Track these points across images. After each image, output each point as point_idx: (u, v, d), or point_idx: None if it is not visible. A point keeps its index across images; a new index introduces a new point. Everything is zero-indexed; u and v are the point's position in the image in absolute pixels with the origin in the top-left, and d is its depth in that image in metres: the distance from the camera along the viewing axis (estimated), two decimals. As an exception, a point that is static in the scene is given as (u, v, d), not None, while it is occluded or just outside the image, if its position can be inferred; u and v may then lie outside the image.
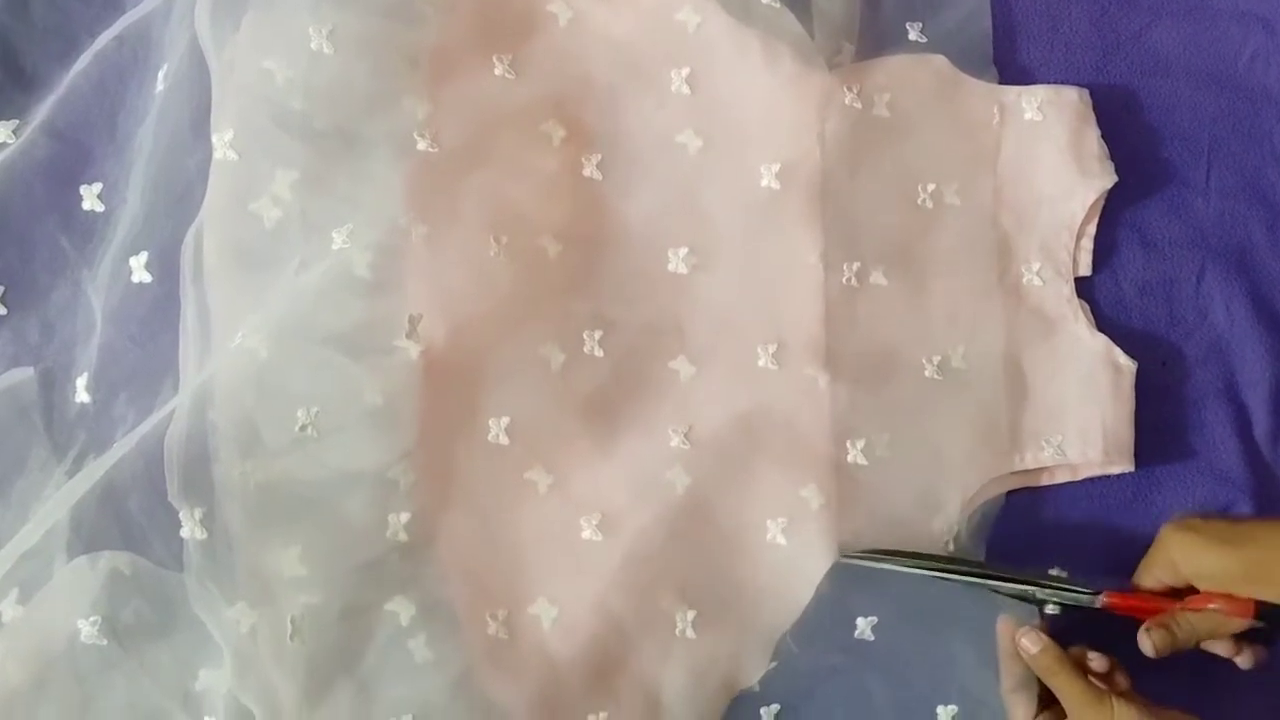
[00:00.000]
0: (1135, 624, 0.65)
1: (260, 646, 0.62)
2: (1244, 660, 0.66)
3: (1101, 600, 0.66)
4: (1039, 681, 0.65)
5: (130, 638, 0.62)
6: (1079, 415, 0.72)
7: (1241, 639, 0.65)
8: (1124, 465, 0.72)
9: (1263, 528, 0.65)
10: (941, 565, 0.68)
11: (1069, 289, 0.74)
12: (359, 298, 0.65)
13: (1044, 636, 0.64)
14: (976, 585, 0.68)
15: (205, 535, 0.63)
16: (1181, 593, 0.66)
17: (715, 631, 0.68)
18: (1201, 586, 0.64)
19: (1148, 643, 0.64)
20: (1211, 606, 0.64)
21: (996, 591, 0.67)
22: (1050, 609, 0.67)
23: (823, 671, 0.68)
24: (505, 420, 0.68)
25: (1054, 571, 0.69)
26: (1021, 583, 0.67)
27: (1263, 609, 0.63)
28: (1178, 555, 0.65)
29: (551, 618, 0.67)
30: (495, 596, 0.67)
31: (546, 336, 0.69)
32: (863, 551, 0.68)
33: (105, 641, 0.62)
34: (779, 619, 0.69)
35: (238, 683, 0.61)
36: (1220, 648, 0.66)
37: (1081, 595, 0.67)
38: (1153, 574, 0.66)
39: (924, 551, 0.69)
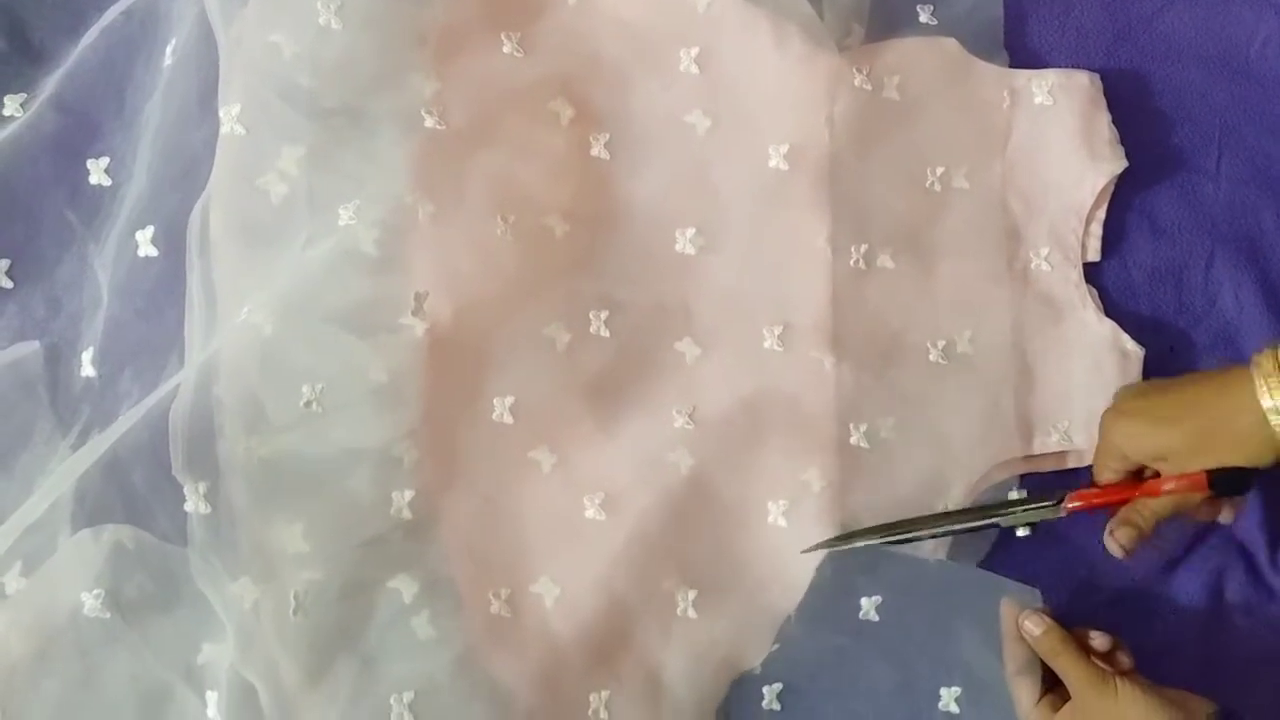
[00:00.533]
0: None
1: (263, 622, 0.62)
2: (1225, 516, 0.67)
3: (1066, 506, 0.67)
4: (1043, 664, 0.64)
5: (133, 611, 0.62)
6: (1086, 401, 0.72)
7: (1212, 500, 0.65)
8: (1129, 453, 0.72)
9: (1194, 390, 0.64)
10: (903, 529, 0.68)
11: (1077, 274, 0.73)
12: (365, 275, 0.65)
13: (1046, 619, 0.64)
14: (944, 535, 0.68)
15: (209, 510, 0.63)
16: (1142, 473, 0.66)
17: (716, 612, 0.68)
18: (1153, 466, 0.65)
19: (1115, 544, 0.65)
20: (1166, 489, 0.64)
21: (969, 529, 0.68)
22: (1021, 532, 0.68)
23: (826, 652, 0.68)
24: (510, 399, 0.68)
25: (1014, 494, 0.70)
26: (984, 516, 0.68)
27: (1215, 476, 0.62)
28: (1122, 442, 0.65)
29: (554, 596, 0.67)
30: (498, 575, 0.67)
31: (552, 316, 0.69)
32: (824, 541, 0.68)
33: (109, 615, 0.62)
34: (780, 601, 0.69)
35: (240, 657, 0.61)
36: (1201, 513, 0.66)
37: (1046, 508, 0.67)
38: (1107, 466, 0.67)
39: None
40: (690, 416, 0.69)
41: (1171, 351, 0.74)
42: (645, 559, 0.68)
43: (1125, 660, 0.64)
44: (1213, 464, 0.62)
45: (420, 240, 0.66)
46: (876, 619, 0.69)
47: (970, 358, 0.72)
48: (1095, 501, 0.66)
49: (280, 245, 0.65)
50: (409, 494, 0.65)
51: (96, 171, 0.68)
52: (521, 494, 0.68)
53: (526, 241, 0.68)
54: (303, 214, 0.65)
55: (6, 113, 0.68)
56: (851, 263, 0.71)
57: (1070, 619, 0.65)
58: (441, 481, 0.66)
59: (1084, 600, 0.70)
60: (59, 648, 0.61)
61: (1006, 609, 0.66)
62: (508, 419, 0.68)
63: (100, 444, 0.63)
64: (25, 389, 0.65)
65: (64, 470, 0.63)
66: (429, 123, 0.67)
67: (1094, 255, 0.74)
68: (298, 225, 0.65)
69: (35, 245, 0.67)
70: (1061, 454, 0.72)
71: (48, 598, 0.62)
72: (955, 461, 0.71)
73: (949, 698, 0.68)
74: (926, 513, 0.69)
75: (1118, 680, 0.62)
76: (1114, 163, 0.73)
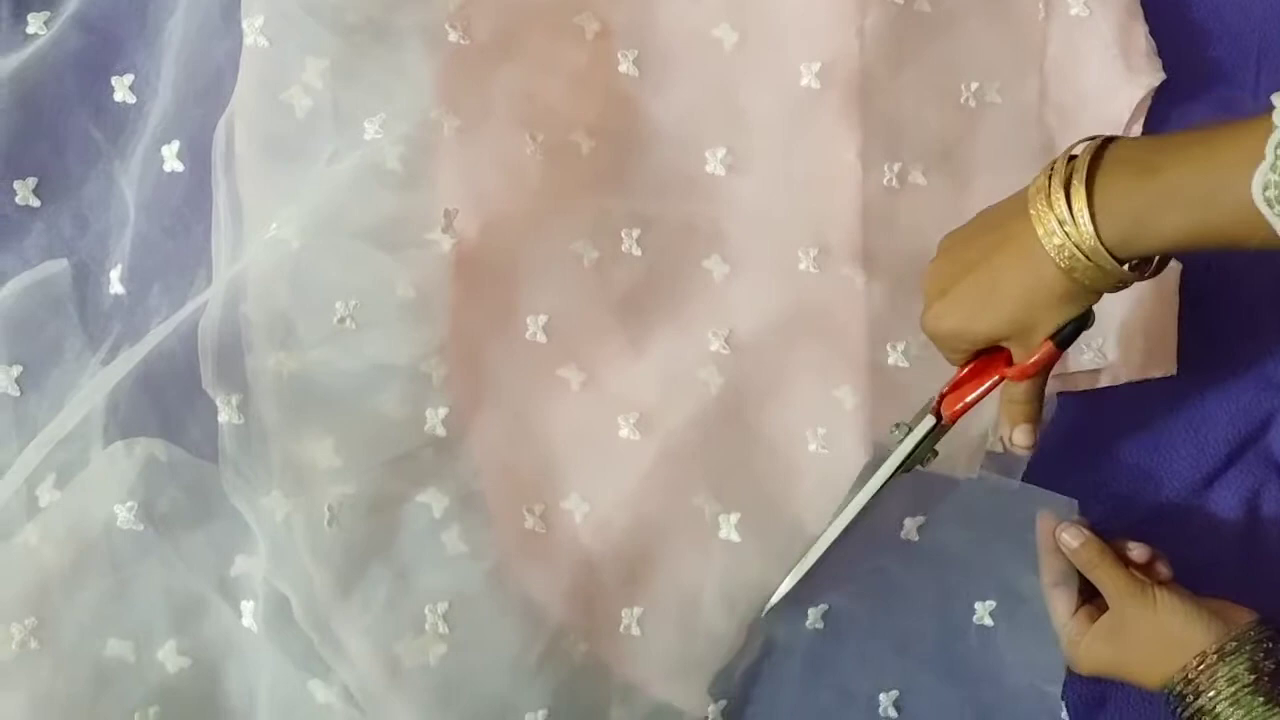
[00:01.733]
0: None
1: (295, 534, 0.62)
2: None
3: (945, 422, 0.64)
4: (1079, 576, 0.64)
5: (166, 524, 0.62)
6: (1121, 318, 0.71)
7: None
8: (1166, 369, 0.71)
9: (994, 258, 0.57)
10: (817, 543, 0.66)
11: (1113, 190, 0.72)
12: (391, 191, 0.65)
13: (1085, 530, 0.63)
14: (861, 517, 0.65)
15: (242, 420, 0.63)
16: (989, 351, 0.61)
17: (756, 535, 0.68)
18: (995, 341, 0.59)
19: (1020, 448, 0.61)
20: (1025, 374, 0.59)
21: (876, 493, 0.64)
22: (923, 466, 0.65)
23: (869, 573, 0.68)
24: (543, 318, 0.67)
25: (894, 434, 0.65)
26: (884, 474, 0.65)
27: (1059, 339, 0.57)
28: (951, 342, 0.60)
29: (584, 513, 0.67)
30: (530, 491, 0.67)
31: (579, 232, 0.68)
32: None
33: (142, 527, 0.62)
34: (811, 524, 0.68)
35: (273, 569, 0.62)
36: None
37: (931, 433, 0.64)
38: (952, 353, 0.62)
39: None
40: (726, 341, 0.69)
41: (1209, 270, 0.73)
42: (675, 477, 0.67)
43: (1164, 571, 0.63)
44: (1048, 328, 0.57)
45: (446, 156, 0.66)
46: (917, 539, 0.68)
47: (1003, 275, 0.71)
48: (971, 402, 0.62)
49: (305, 160, 0.65)
50: (443, 411, 0.65)
51: (121, 88, 0.68)
52: (551, 411, 0.68)
53: (553, 158, 0.67)
54: (328, 128, 0.65)
55: (30, 30, 0.68)
56: (885, 181, 0.70)
57: (1108, 534, 0.64)
58: (471, 398, 0.66)
59: (1121, 516, 0.69)
60: (93, 559, 0.62)
61: (1043, 521, 0.65)
62: (541, 338, 0.67)
63: (130, 358, 0.63)
64: (54, 307, 0.65)
65: (95, 384, 0.63)
66: (453, 37, 0.66)
67: (1130, 170, 0.73)
68: (322, 140, 0.65)
69: (61, 163, 0.67)
70: (1095, 372, 0.71)
71: (81, 510, 0.62)
72: (989, 379, 0.70)
73: (983, 611, 0.68)
74: (964, 432, 0.67)
75: (1156, 590, 0.61)
76: (1151, 75, 0.72)
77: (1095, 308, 0.70)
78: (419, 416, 0.65)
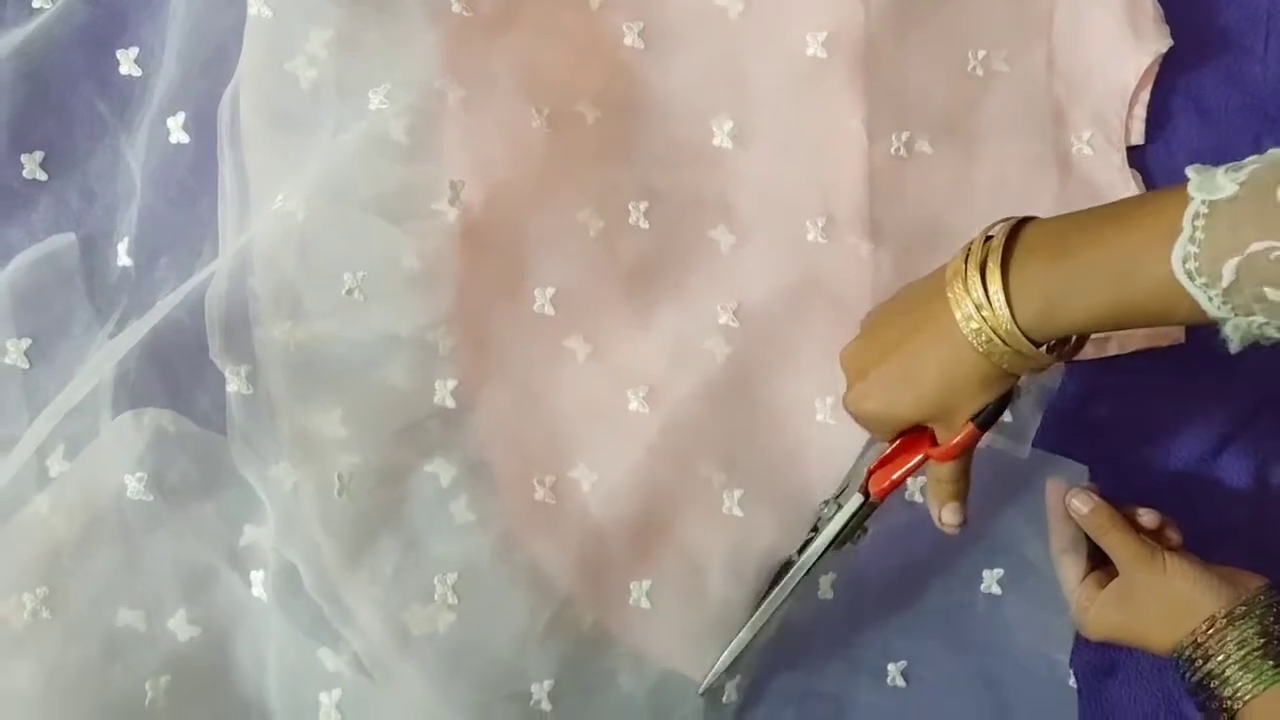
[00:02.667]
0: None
1: (303, 504, 0.62)
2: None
3: (874, 499, 0.63)
4: (1089, 542, 0.64)
5: (175, 494, 0.63)
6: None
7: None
8: (1174, 337, 0.71)
9: (909, 343, 0.56)
10: (758, 611, 0.66)
11: (1120, 158, 0.72)
12: (396, 162, 0.65)
13: (1095, 496, 0.63)
14: (795, 588, 0.65)
15: (251, 391, 0.63)
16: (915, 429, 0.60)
17: (760, 508, 0.68)
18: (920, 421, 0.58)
19: (950, 526, 0.60)
20: (948, 454, 0.58)
21: (811, 569, 0.64)
22: (856, 541, 0.64)
23: (878, 538, 0.68)
24: (550, 290, 0.67)
25: (826, 511, 0.65)
26: (817, 548, 0.64)
27: (980, 421, 0.56)
28: (874, 426, 0.60)
29: (591, 482, 0.67)
30: (539, 462, 0.67)
31: (585, 203, 0.68)
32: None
33: (151, 498, 0.62)
34: (821, 491, 0.68)
35: (281, 539, 0.62)
36: None
37: (859, 511, 0.63)
38: (873, 434, 0.61)
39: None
40: (734, 313, 0.68)
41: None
42: (683, 448, 0.67)
43: (1174, 536, 0.63)
44: (969, 410, 0.56)
45: (451, 126, 0.65)
46: (921, 500, 0.68)
47: (1011, 244, 0.71)
48: (897, 480, 0.61)
49: (310, 131, 0.65)
50: (452, 382, 0.65)
51: (126, 62, 0.68)
52: (557, 381, 0.68)
53: (558, 128, 0.67)
54: (332, 99, 0.65)
55: (36, 4, 0.68)
56: (892, 150, 0.70)
57: (1117, 502, 0.64)
58: (478, 369, 0.66)
59: (1130, 484, 0.69)
60: (103, 529, 0.62)
61: (1053, 488, 0.65)
62: (549, 310, 0.67)
63: (138, 330, 0.63)
64: (62, 280, 0.66)
65: (103, 355, 0.63)
66: (456, 8, 0.66)
67: (1137, 138, 0.73)
68: (327, 110, 0.65)
69: (68, 137, 0.67)
70: (1103, 341, 0.71)
71: (91, 480, 0.62)
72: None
73: (991, 580, 0.68)
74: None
75: (1166, 555, 0.61)
76: (1159, 41, 0.71)
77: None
78: (427, 387, 0.65)
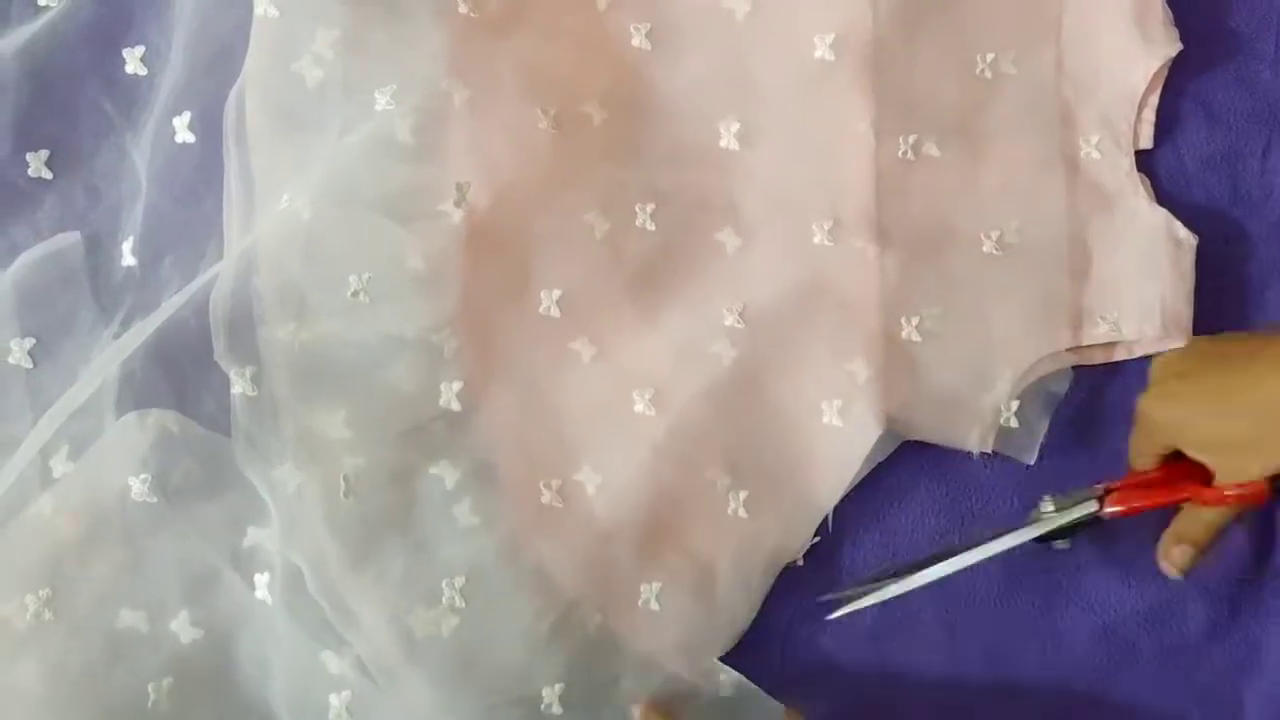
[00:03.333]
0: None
1: (307, 506, 0.62)
2: None
3: (1106, 512, 0.60)
4: None
5: (179, 496, 0.63)
6: (1137, 291, 0.70)
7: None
8: (1181, 342, 0.70)
9: (1253, 368, 0.53)
10: (937, 559, 0.63)
11: (1128, 162, 0.71)
12: (402, 162, 0.65)
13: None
14: (984, 560, 0.63)
15: (256, 393, 0.63)
16: (1181, 458, 0.58)
17: (767, 510, 0.68)
18: (1199, 458, 0.56)
19: (1170, 565, 0.58)
20: (1223, 498, 0.55)
21: (1004, 551, 0.62)
22: (1058, 544, 0.63)
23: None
24: (557, 293, 0.67)
25: (1046, 506, 0.63)
26: (1018, 533, 0.62)
27: (1277, 483, 0.54)
28: (1167, 430, 0.57)
29: (596, 484, 0.66)
30: (544, 466, 0.66)
31: (590, 204, 0.68)
32: (850, 589, 0.64)
33: (155, 500, 0.62)
34: (828, 495, 0.68)
35: (285, 541, 0.62)
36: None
37: (1084, 515, 0.61)
38: (1145, 451, 0.59)
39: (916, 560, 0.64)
40: (740, 316, 0.68)
41: (1225, 243, 0.72)
42: (688, 450, 0.67)
43: None
44: (1274, 463, 0.52)
45: (457, 127, 0.65)
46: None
47: (1018, 248, 0.70)
48: (1139, 506, 0.59)
49: (316, 131, 0.65)
50: (457, 385, 0.65)
51: (132, 61, 0.67)
52: (563, 384, 0.67)
53: (564, 129, 0.67)
54: (338, 99, 0.65)
55: (41, 3, 0.68)
56: (899, 153, 0.69)
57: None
58: (483, 370, 0.66)
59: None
60: (106, 531, 0.62)
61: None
62: (555, 313, 0.67)
63: (143, 330, 0.63)
64: (66, 279, 0.66)
65: (108, 356, 0.63)
66: (463, 9, 0.66)
67: (1146, 142, 0.72)
68: (333, 110, 0.65)
69: (73, 136, 0.67)
70: (1110, 345, 0.71)
71: (95, 481, 0.62)
72: (1002, 353, 0.69)
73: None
74: (975, 405, 0.67)
75: None
76: (1168, 45, 0.71)
77: (1112, 282, 0.71)
78: (432, 390, 0.65)
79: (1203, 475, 0.56)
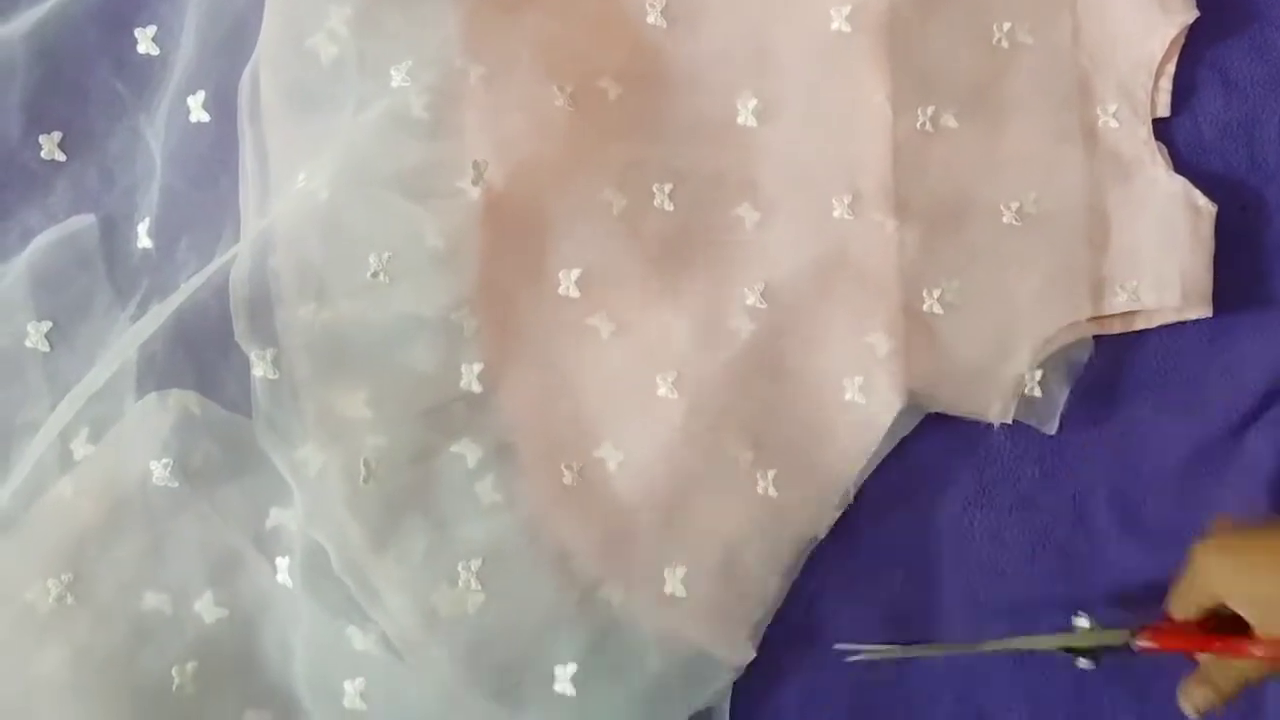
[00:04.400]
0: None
1: (329, 486, 0.62)
2: None
3: (1137, 644, 0.61)
4: None
5: (201, 479, 0.62)
6: (1156, 259, 0.70)
7: None
8: (1201, 311, 0.70)
9: None
10: (963, 648, 0.66)
11: (1146, 130, 0.71)
12: (418, 140, 0.64)
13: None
14: (1006, 652, 0.64)
15: (276, 375, 0.62)
16: (1220, 615, 0.59)
17: (794, 487, 0.67)
18: (1240, 612, 0.57)
19: (1189, 704, 0.58)
20: (1257, 653, 0.56)
21: (1031, 652, 0.64)
22: (1082, 663, 0.63)
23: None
24: (576, 273, 0.67)
25: (1081, 622, 0.63)
26: (1049, 642, 0.63)
27: None
28: (1214, 580, 0.57)
29: (617, 461, 0.66)
30: (566, 445, 0.66)
31: (607, 181, 0.67)
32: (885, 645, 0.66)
33: (177, 484, 0.62)
34: (851, 470, 0.68)
35: (308, 522, 0.61)
36: None
37: (1115, 643, 0.61)
38: (1187, 601, 0.59)
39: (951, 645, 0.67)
40: (761, 293, 0.68)
41: (1243, 210, 0.72)
42: (709, 427, 0.67)
43: None
44: None
45: (472, 104, 0.65)
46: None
47: (1037, 218, 0.70)
48: (1170, 647, 0.59)
49: (331, 109, 0.64)
50: (478, 367, 0.64)
51: (144, 40, 0.67)
52: (582, 362, 0.67)
53: (580, 105, 0.67)
54: (353, 76, 0.64)
55: (50, -17, 0.67)
56: (918, 125, 0.69)
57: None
58: (502, 350, 0.66)
59: (1155, 462, 0.68)
60: (128, 515, 0.61)
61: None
62: (574, 292, 0.67)
63: (161, 313, 0.62)
64: (82, 262, 0.65)
65: (129, 336, 0.63)
66: None
67: (1163, 111, 0.72)
68: (348, 88, 0.64)
69: (86, 118, 0.67)
70: (1129, 314, 0.71)
71: (116, 463, 0.62)
72: (1023, 324, 0.69)
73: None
74: (995, 377, 0.67)
75: None
76: (1185, 13, 0.70)
77: (1132, 251, 0.70)
78: (453, 370, 0.64)
79: (1241, 630, 0.57)
